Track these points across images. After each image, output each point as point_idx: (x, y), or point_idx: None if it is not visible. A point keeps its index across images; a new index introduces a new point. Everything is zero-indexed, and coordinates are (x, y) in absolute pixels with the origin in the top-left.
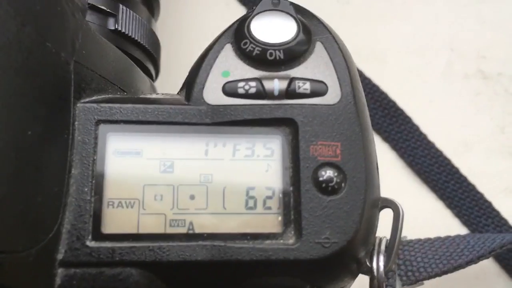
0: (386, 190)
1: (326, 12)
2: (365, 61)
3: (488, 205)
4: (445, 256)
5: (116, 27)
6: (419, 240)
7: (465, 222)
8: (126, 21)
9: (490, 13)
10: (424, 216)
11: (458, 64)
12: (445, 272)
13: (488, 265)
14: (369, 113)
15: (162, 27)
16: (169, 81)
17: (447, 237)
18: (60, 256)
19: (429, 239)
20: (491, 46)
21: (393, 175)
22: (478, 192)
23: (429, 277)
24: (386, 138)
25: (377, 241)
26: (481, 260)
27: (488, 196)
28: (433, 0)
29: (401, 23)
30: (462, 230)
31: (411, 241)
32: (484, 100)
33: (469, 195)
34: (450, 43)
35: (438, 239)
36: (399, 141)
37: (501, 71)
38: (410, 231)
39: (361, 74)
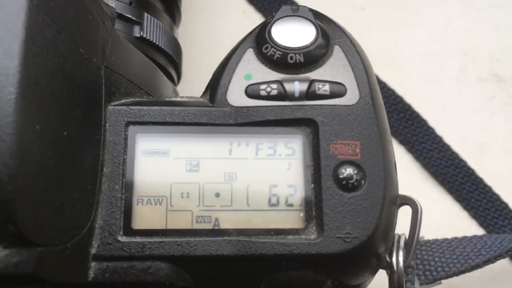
0: (402, 191)
1: (342, 18)
2: (380, 66)
3: (505, 206)
4: (463, 256)
5: (142, 34)
6: (436, 240)
7: (482, 224)
8: (151, 29)
9: (503, 17)
10: (441, 218)
11: (472, 68)
12: (463, 272)
13: (506, 266)
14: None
15: (183, 34)
16: (190, 85)
17: (464, 237)
18: (93, 250)
19: (446, 239)
20: (504, 50)
21: (409, 177)
22: (494, 194)
23: (447, 277)
24: (402, 141)
25: (396, 237)
26: (499, 259)
27: (505, 197)
28: (446, 5)
29: (415, 28)
30: (479, 231)
31: (428, 241)
32: (499, 103)
33: (486, 196)
34: (464, 47)
35: (455, 239)
36: (415, 143)
37: None
38: (428, 233)
39: (376, 78)
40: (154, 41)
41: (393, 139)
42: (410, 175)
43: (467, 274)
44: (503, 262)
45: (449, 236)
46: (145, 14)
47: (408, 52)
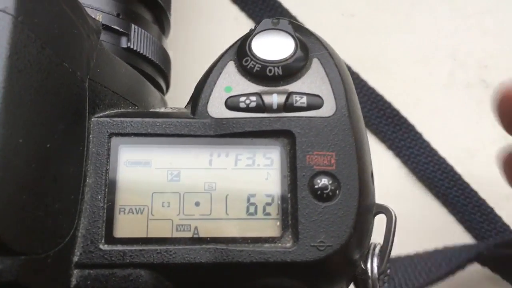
0: (389, 196)
1: (332, 24)
2: (369, 71)
3: (491, 210)
4: (425, 270)
5: (129, 45)
6: (399, 257)
7: (468, 228)
8: (138, 40)
9: (491, 24)
10: (427, 222)
11: (461, 73)
12: (425, 285)
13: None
14: (373, 121)
15: (175, 42)
16: (183, 93)
17: (426, 252)
18: (75, 258)
19: (409, 255)
20: (492, 56)
21: (396, 182)
22: (480, 198)
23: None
24: (390, 146)
25: (372, 245)
26: (458, 271)
27: (491, 202)
28: (436, 11)
29: (404, 34)
30: (465, 236)
31: (391, 258)
32: (487, 108)
33: (472, 201)
34: (453, 53)
35: (417, 254)
36: (402, 148)
37: (503, 80)
38: (414, 237)
39: (365, 84)
40: (141, 51)
41: (381, 144)
42: (397, 180)
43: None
44: (474, 268)
45: (435, 240)
46: (133, 26)
47: (397, 58)
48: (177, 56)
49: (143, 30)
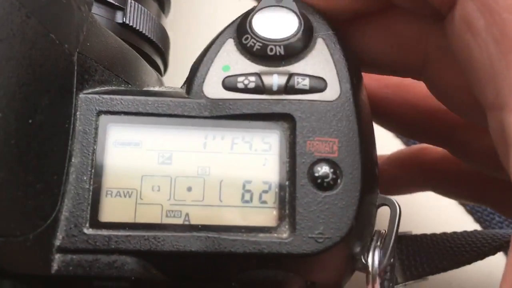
0: None
1: None
2: None
3: None
4: (450, 252)
5: (124, 20)
6: (425, 235)
7: (478, 219)
8: (134, 15)
9: None
10: (437, 213)
11: None
12: (449, 268)
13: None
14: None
15: (176, 24)
16: (183, 76)
17: (454, 233)
18: (57, 242)
19: (435, 234)
20: None
21: None
22: None
23: (433, 273)
24: (398, 135)
25: (375, 237)
26: (487, 257)
27: None
28: None
29: None
30: (475, 227)
31: (416, 235)
32: None
33: None
34: None
35: (444, 234)
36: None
37: None
38: (423, 228)
39: None
40: (138, 27)
41: (388, 132)
42: None
43: (461, 271)
44: (499, 259)
45: (444, 230)
46: (129, 0)
47: None
48: (178, 39)
49: (140, 6)
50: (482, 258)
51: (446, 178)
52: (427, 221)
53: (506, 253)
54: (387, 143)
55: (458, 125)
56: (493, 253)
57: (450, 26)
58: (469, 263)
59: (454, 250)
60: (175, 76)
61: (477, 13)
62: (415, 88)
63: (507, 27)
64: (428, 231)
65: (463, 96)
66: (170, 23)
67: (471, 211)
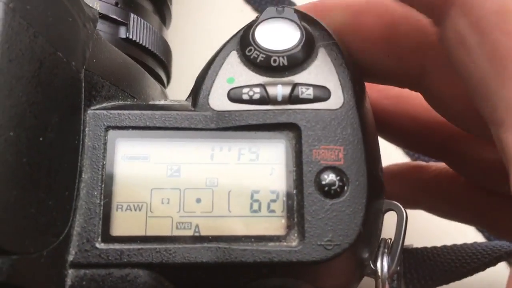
0: None
1: None
2: None
3: None
4: (451, 264)
5: (128, 35)
6: (425, 248)
7: (480, 229)
8: (137, 30)
9: None
10: (439, 222)
11: None
12: (451, 280)
13: (505, 271)
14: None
15: (179, 35)
16: (186, 87)
17: (454, 245)
18: (70, 258)
19: (436, 247)
20: None
21: None
22: None
23: (435, 285)
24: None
25: (382, 243)
26: (488, 267)
27: None
28: None
29: None
30: (477, 237)
31: (417, 248)
32: None
33: None
34: None
35: (445, 247)
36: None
37: None
38: (425, 238)
39: None
40: (141, 42)
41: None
42: None
43: (464, 282)
44: (502, 269)
45: (447, 240)
46: (132, 15)
47: None
48: (180, 50)
49: (142, 20)
50: (483, 269)
51: (439, 197)
52: (428, 232)
53: (508, 262)
54: (388, 152)
55: (457, 136)
56: (494, 264)
57: (445, 38)
58: (471, 274)
59: (455, 262)
60: (177, 87)
61: (469, 29)
62: (415, 99)
63: (500, 47)
64: (429, 243)
65: (460, 106)
66: (172, 34)
67: None
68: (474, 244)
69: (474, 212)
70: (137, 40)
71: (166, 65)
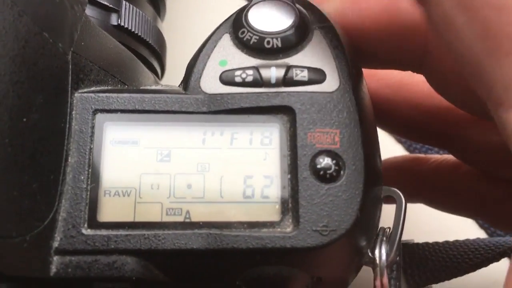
0: None
1: None
2: None
3: None
4: (453, 260)
5: (119, 22)
6: (427, 243)
7: (482, 225)
8: (129, 17)
9: None
10: (441, 219)
11: None
12: (453, 276)
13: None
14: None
15: (176, 29)
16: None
17: (456, 241)
18: (55, 244)
19: (437, 243)
20: None
21: None
22: None
23: (437, 281)
24: (399, 140)
25: (381, 231)
26: (491, 263)
27: None
28: None
29: None
30: (480, 233)
31: (418, 244)
32: None
33: None
34: None
35: (446, 243)
36: (413, 142)
37: None
38: (427, 234)
39: None
40: (133, 29)
41: (391, 137)
42: None
43: (466, 279)
44: (503, 264)
45: (449, 237)
46: (124, 2)
47: None
48: (177, 44)
49: (135, 8)
50: (486, 265)
51: (439, 189)
52: (429, 228)
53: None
54: (389, 149)
55: (461, 121)
56: (497, 260)
57: (431, 19)
58: (473, 270)
59: (457, 258)
60: (173, 80)
61: (456, 9)
62: (416, 86)
63: (491, 24)
64: (431, 239)
65: (463, 86)
66: (167, 27)
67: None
68: (477, 240)
69: (474, 204)
70: (129, 28)
71: (160, 56)
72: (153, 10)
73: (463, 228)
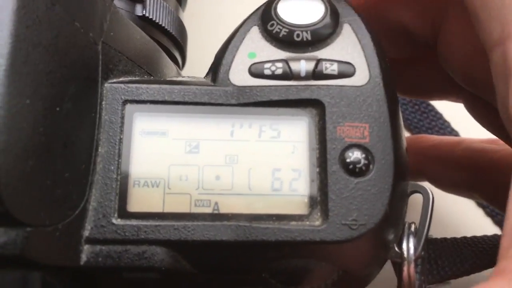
0: None
1: None
2: None
3: None
4: (472, 255)
5: (144, 13)
6: (445, 239)
7: (497, 222)
8: (154, 8)
9: None
10: (455, 215)
11: None
12: (472, 272)
13: None
14: (400, 108)
15: (191, 18)
16: (198, 71)
17: (474, 237)
18: (86, 233)
19: (455, 238)
20: None
21: None
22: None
23: (455, 276)
24: (417, 134)
25: (407, 226)
26: None
27: None
28: None
29: None
30: (494, 229)
31: (436, 239)
32: None
33: None
34: None
35: (464, 238)
36: None
37: None
38: (442, 231)
39: None
40: (157, 20)
41: (407, 132)
42: None
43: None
44: None
45: (464, 233)
46: None
47: None
48: (193, 33)
49: None
50: None
51: (439, 164)
52: (446, 224)
53: None
54: None
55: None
56: None
57: None
58: (491, 266)
59: (476, 253)
60: (192, 71)
61: None
62: None
63: None
64: (448, 234)
65: (474, 64)
66: (187, 17)
67: (490, 214)
68: (495, 236)
69: (474, 180)
70: (154, 19)
71: (181, 46)
72: (175, 1)
73: (480, 225)
